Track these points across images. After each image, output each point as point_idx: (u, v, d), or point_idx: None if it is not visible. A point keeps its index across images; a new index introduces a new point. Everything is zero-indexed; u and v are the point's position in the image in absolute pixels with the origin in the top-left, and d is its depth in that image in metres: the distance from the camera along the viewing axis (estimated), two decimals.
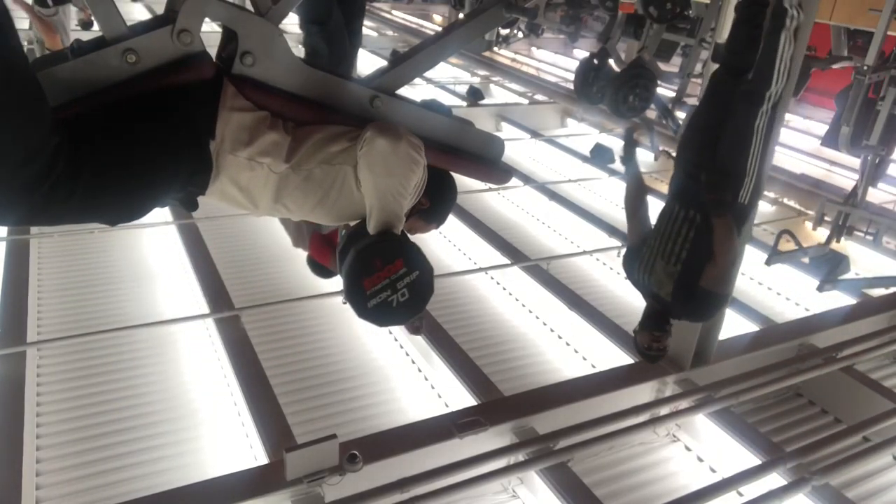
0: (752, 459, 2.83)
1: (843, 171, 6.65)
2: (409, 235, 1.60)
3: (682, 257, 2.51)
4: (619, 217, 5.66)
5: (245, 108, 1.45)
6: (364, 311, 1.45)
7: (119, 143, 1.31)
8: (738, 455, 2.90)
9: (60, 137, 1.19)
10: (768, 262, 4.30)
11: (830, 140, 4.41)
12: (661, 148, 6.63)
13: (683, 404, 3.07)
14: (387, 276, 1.42)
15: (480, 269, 4.48)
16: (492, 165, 1.77)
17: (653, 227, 2.71)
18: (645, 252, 2.64)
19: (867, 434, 3.07)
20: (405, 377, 3.47)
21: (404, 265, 1.43)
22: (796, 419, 3.39)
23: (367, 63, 8.11)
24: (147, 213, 1.42)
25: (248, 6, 1.61)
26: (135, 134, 1.33)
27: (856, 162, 4.75)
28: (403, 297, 1.45)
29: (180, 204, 1.52)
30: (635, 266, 2.69)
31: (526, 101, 8.63)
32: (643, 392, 3.18)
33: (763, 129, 2.40)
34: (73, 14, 5.90)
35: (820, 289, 4.33)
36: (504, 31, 8.31)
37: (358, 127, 1.57)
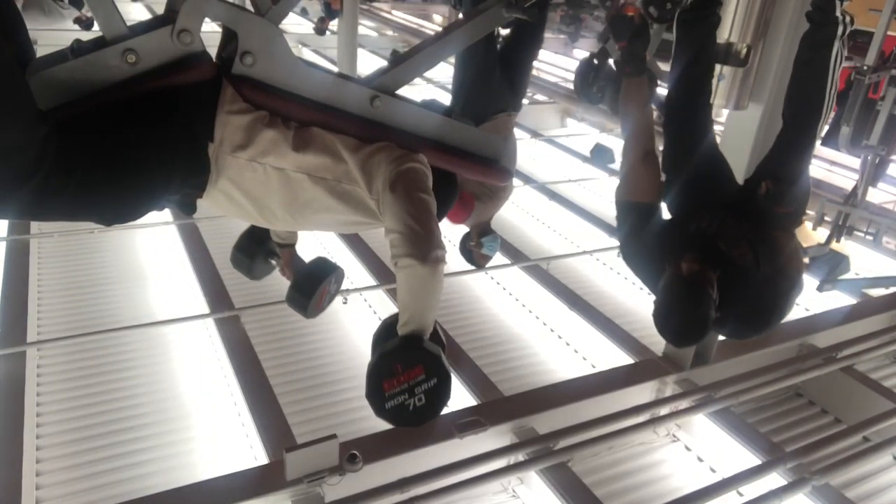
0: (752, 459, 2.83)
1: (843, 171, 6.65)
2: None
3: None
4: None
5: (243, 111, 1.45)
6: (381, 411, 1.52)
7: (114, 141, 1.31)
8: (738, 455, 2.90)
9: (49, 130, 1.19)
10: None
11: (830, 140, 4.41)
12: (661, 148, 6.62)
13: (683, 404, 3.07)
14: (406, 381, 1.49)
15: (480, 269, 4.48)
16: (491, 165, 1.77)
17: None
18: (712, 205, 1.94)
19: (867, 434, 3.07)
20: None
21: (423, 372, 1.50)
22: (796, 419, 3.39)
23: (368, 63, 8.11)
24: (142, 214, 1.41)
25: (248, 6, 1.61)
26: (130, 134, 1.33)
27: (856, 162, 4.75)
28: (420, 401, 1.52)
29: (177, 206, 1.52)
30: (677, 219, 1.96)
31: (526, 101, 8.62)
32: (643, 392, 3.18)
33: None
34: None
35: (820, 289, 4.33)
36: (504, 31, 8.30)
37: (362, 133, 1.57)
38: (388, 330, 1.65)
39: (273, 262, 2.21)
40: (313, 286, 2.01)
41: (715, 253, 1.86)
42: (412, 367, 1.50)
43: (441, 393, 1.55)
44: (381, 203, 1.54)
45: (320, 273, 2.05)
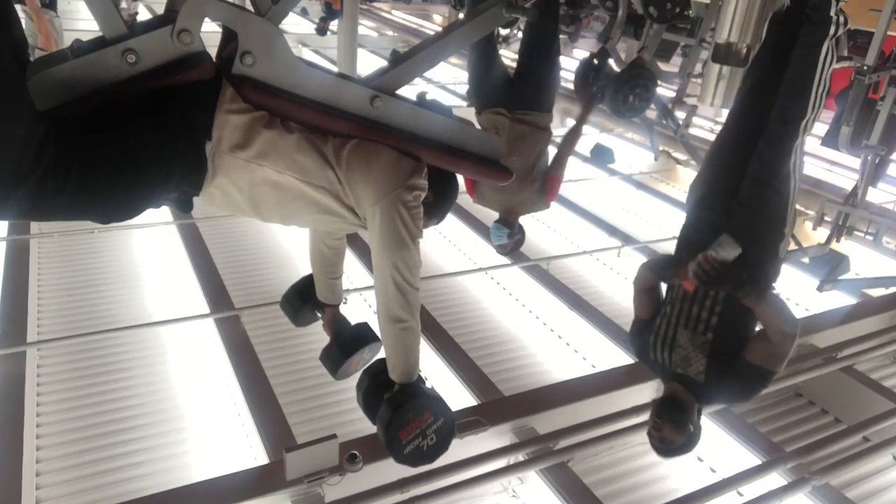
0: (752, 459, 2.83)
1: (843, 171, 6.65)
2: None
3: (713, 323, 2.03)
4: (619, 217, 5.68)
5: (242, 110, 1.45)
6: (401, 457, 1.69)
7: (113, 140, 1.31)
8: (738, 455, 2.90)
9: (46, 130, 1.19)
10: None
11: (830, 140, 4.41)
12: (661, 148, 6.63)
13: None
14: (418, 427, 1.67)
15: (480, 269, 4.48)
16: (492, 165, 1.77)
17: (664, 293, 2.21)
18: (659, 324, 2.14)
19: (867, 434, 3.07)
20: None
21: (432, 416, 1.68)
22: (796, 419, 3.39)
23: (368, 63, 8.11)
24: (140, 212, 1.41)
25: (248, 6, 1.61)
26: (129, 132, 1.33)
27: (856, 162, 4.75)
28: (432, 441, 1.70)
29: (174, 204, 1.52)
30: (647, 344, 2.19)
31: None
32: (643, 392, 3.18)
33: (797, 166, 2.06)
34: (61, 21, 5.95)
35: (820, 289, 4.33)
36: (504, 31, 8.30)
37: (362, 133, 1.57)
38: (374, 380, 1.79)
39: (318, 314, 2.26)
40: (347, 353, 2.09)
41: (680, 383, 2.11)
42: (421, 413, 1.67)
43: (448, 429, 1.72)
44: (370, 230, 1.60)
45: (357, 343, 2.11)
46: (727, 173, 2.14)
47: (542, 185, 3.16)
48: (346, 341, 2.11)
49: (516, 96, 3.11)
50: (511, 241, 3.25)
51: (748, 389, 2.08)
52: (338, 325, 2.18)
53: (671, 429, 2.04)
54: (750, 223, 2.04)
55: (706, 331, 2.04)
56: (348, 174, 1.54)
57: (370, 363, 1.89)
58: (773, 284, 2.12)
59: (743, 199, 2.06)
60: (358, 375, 1.90)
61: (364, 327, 2.15)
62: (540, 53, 3.11)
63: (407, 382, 1.70)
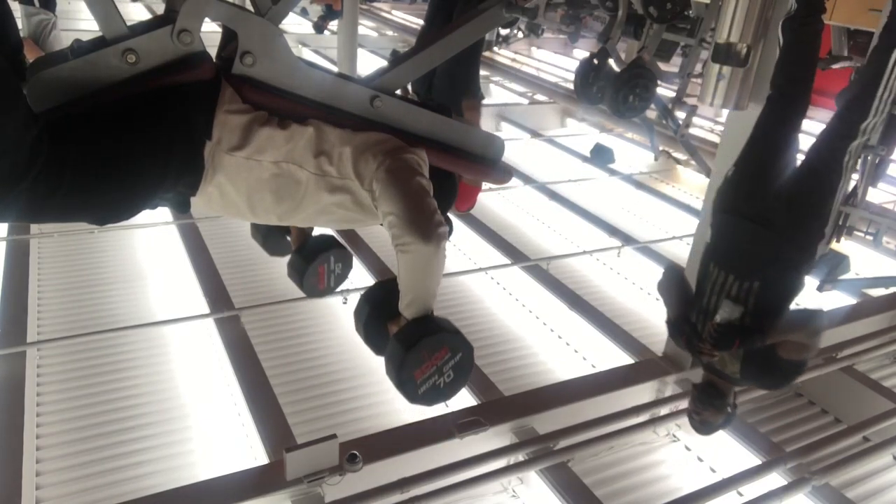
0: (752, 459, 2.84)
1: None
2: None
3: None
4: (619, 217, 5.67)
5: (242, 111, 1.45)
6: (415, 398, 1.56)
7: (107, 141, 1.30)
8: (738, 455, 2.90)
9: (40, 131, 1.18)
10: None
11: None
12: (661, 148, 6.63)
13: (683, 404, 3.06)
14: (434, 365, 1.53)
15: (480, 269, 4.48)
16: (492, 165, 1.77)
17: (695, 293, 2.26)
18: (696, 330, 2.21)
19: (867, 434, 3.07)
20: None
21: (449, 351, 1.54)
22: (796, 419, 3.39)
23: (368, 63, 8.12)
24: (135, 213, 1.40)
25: (248, 6, 1.61)
26: (125, 133, 1.32)
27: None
28: (449, 377, 1.57)
29: (170, 204, 1.52)
30: (682, 341, 2.30)
31: (526, 101, 8.63)
32: (643, 392, 3.18)
33: (849, 168, 2.09)
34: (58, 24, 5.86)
35: (820, 289, 4.32)
36: (504, 31, 8.30)
37: (355, 126, 1.57)
38: (377, 308, 1.65)
39: (288, 238, 2.19)
40: (308, 260, 2.02)
41: (717, 375, 2.29)
42: (437, 350, 1.53)
43: (466, 363, 1.59)
44: (375, 190, 1.52)
45: (319, 249, 2.04)
46: (761, 175, 2.15)
47: None
48: (308, 249, 2.04)
49: (431, 89, 3.05)
50: None
51: (789, 380, 2.26)
52: (303, 238, 2.12)
53: (713, 412, 2.26)
54: (792, 217, 2.05)
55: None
56: (346, 153, 1.53)
57: (368, 289, 1.73)
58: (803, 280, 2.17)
59: (785, 194, 2.07)
60: (353, 325, 1.74)
61: (328, 237, 2.08)
62: (463, 57, 3.04)
63: (420, 316, 1.55)
